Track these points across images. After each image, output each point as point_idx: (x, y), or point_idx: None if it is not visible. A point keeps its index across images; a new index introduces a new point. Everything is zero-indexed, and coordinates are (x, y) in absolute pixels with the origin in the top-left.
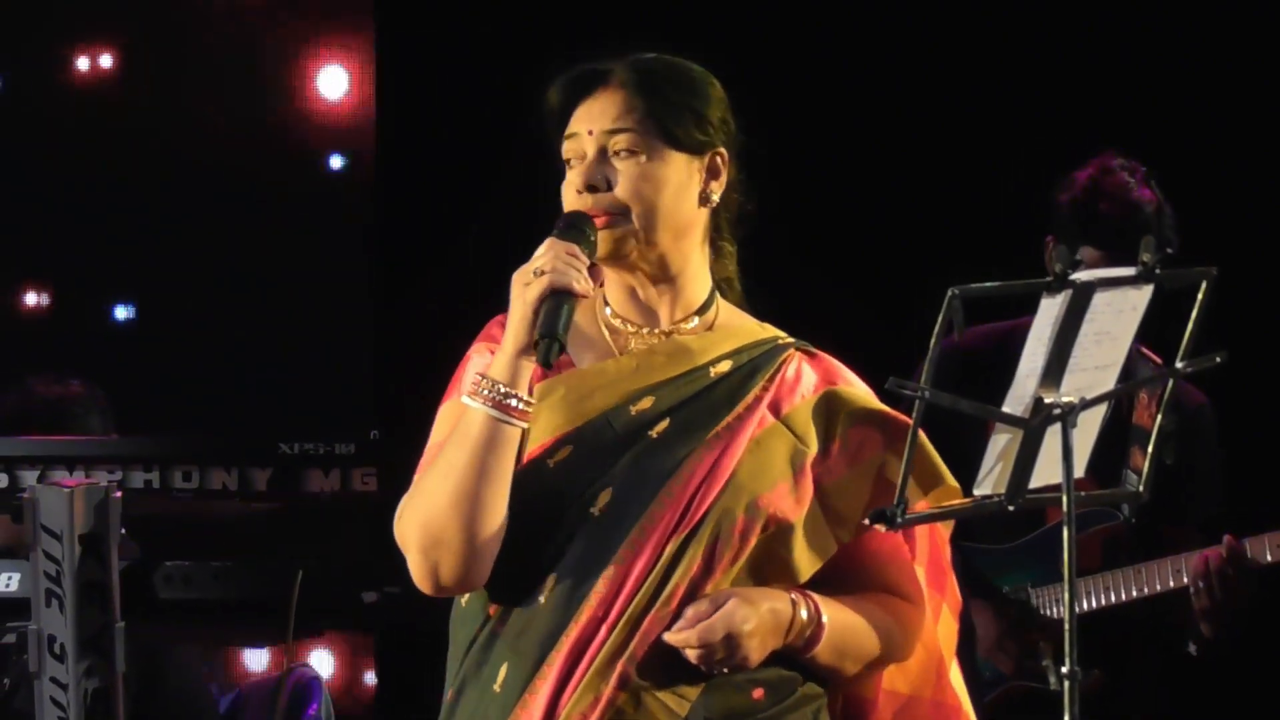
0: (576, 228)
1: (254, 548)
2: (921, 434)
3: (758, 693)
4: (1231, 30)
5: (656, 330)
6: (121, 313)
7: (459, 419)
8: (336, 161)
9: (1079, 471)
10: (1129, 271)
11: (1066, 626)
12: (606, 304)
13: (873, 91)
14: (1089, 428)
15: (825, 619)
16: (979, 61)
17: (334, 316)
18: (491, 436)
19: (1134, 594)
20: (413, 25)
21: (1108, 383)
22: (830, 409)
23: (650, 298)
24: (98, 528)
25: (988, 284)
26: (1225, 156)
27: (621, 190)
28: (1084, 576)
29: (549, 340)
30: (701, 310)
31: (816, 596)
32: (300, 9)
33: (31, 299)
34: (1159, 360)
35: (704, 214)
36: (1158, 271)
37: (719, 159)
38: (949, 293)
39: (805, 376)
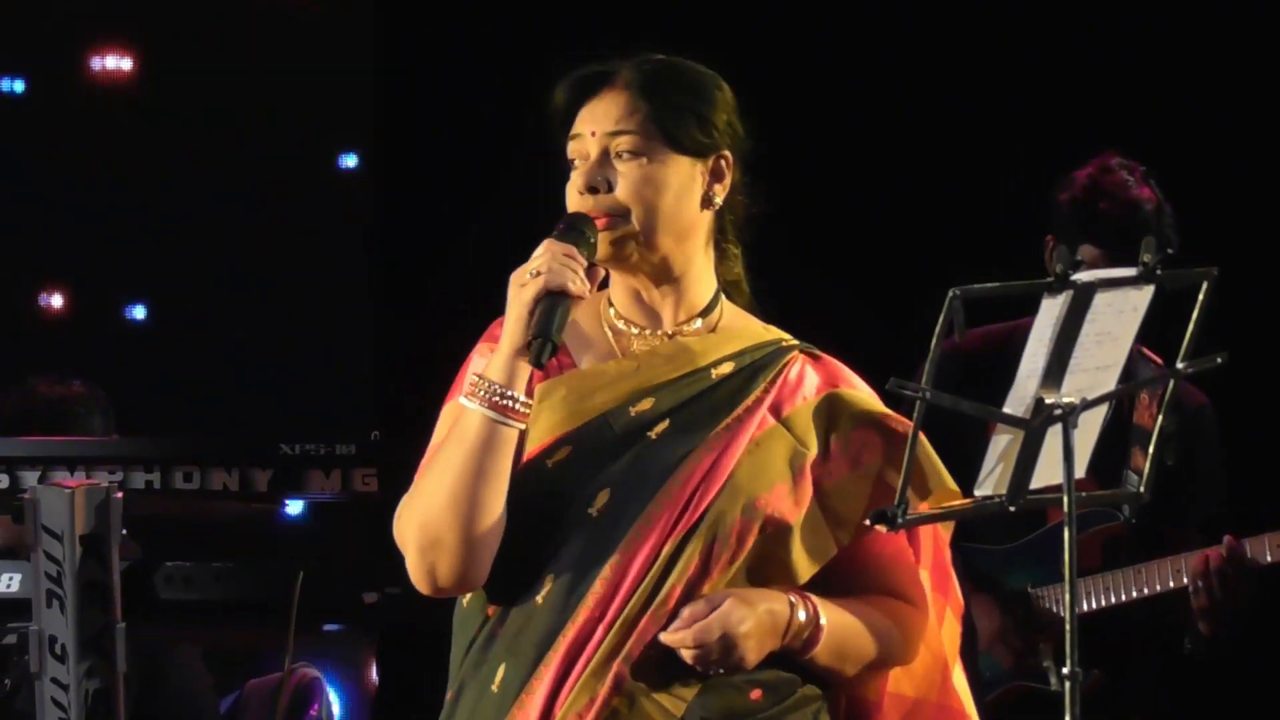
0: (576, 229)
1: (255, 548)
2: (922, 437)
3: (755, 693)
4: (1231, 30)
5: (659, 332)
6: (127, 313)
7: (458, 419)
8: (350, 160)
9: (1080, 472)
10: (1130, 272)
11: (1067, 627)
12: (611, 305)
13: (873, 92)
14: (1090, 428)
15: (824, 621)
16: (979, 61)
17: (334, 317)
18: (488, 437)
19: (1134, 594)
20: (413, 25)
21: (1109, 383)
22: (832, 411)
23: (653, 299)
24: (99, 528)
25: (988, 285)
26: (1225, 156)
27: (622, 192)
28: (1084, 577)
29: (542, 341)
30: (705, 312)
31: (815, 598)
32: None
33: (41, 300)
34: (1159, 361)
35: (707, 217)
36: (1159, 272)
37: (723, 162)
38: (950, 293)
39: (808, 379)
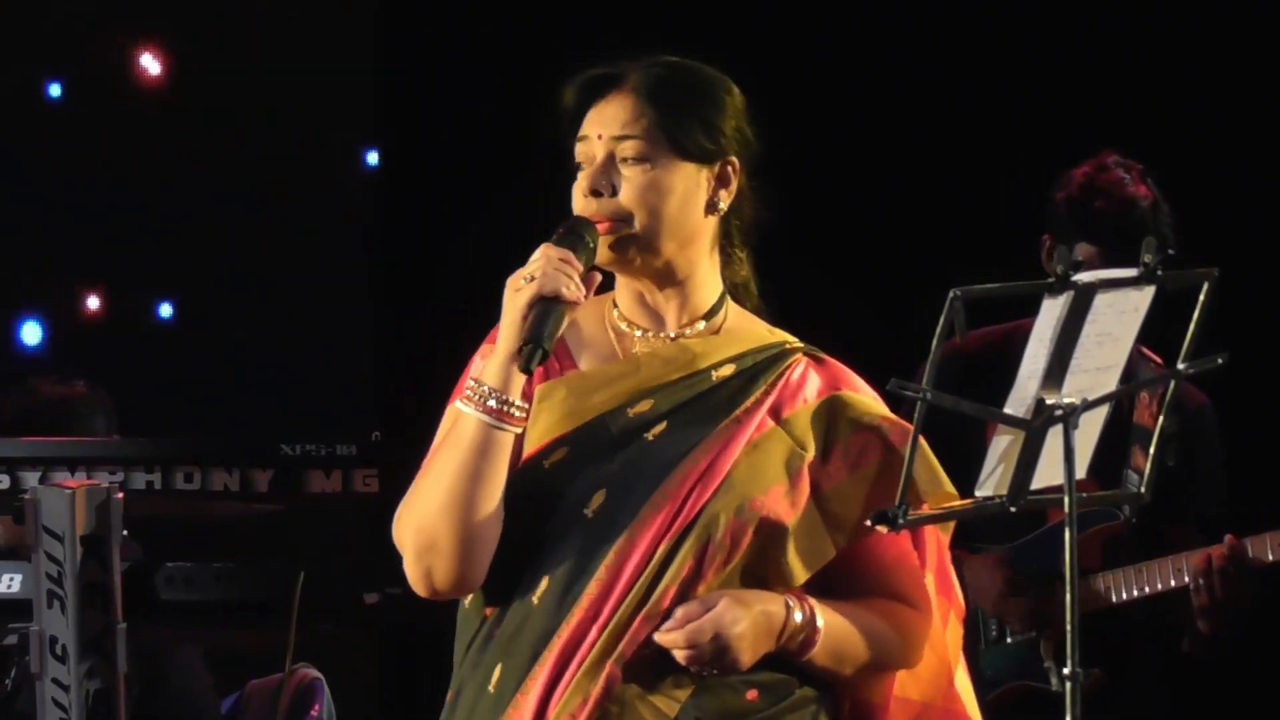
0: (575, 233)
1: (255, 549)
2: (922, 440)
3: (751, 694)
4: (1231, 30)
5: (662, 334)
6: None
7: (454, 423)
8: (374, 157)
9: (1080, 473)
10: (1131, 273)
11: (1068, 627)
12: (615, 307)
13: (873, 92)
14: (1090, 429)
15: (821, 623)
16: (979, 61)
17: (335, 317)
18: (484, 442)
19: (1134, 593)
20: (415, 25)
21: (1109, 384)
22: (833, 414)
23: (657, 302)
24: (99, 529)
25: (989, 285)
26: (1225, 156)
27: (626, 197)
28: (1084, 577)
29: (532, 347)
30: (709, 315)
31: (813, 600)
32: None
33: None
34: (1159, 361)
35: (712, 222)
36: (1159, 273)
37: (729, 167)
38: (950, 294)
39: (810, 381)
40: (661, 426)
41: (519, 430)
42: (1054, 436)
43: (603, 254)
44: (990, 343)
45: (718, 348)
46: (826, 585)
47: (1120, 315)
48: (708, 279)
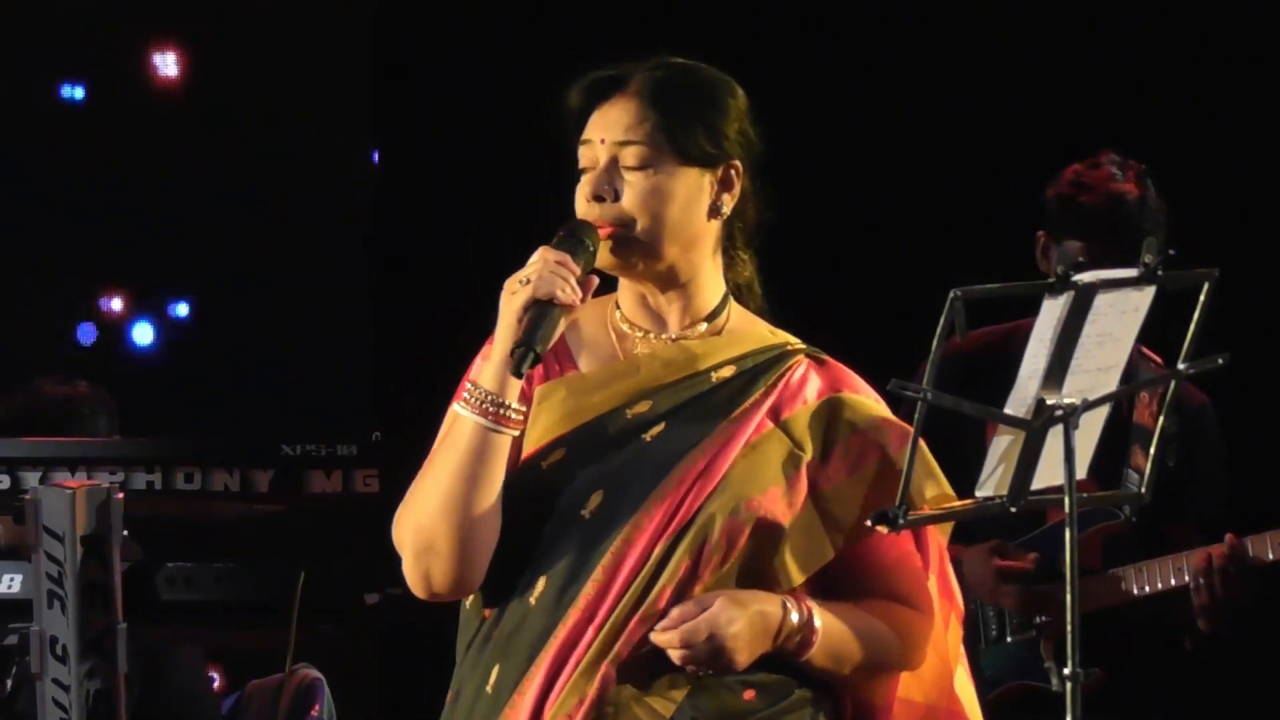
0: (575, 236)
1: (256, 549)
2: (921, 441)
3: (749, 694)
4: (1231, 30)
5: (664, 336)
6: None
7: (452, 425)
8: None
9: (1081, 473)
10: (1131, 273)
11: (1068, 628)
12: (618, 308)
13: (873, 92)
14: (1091, 429)
15: (818, 623)
16: (978, 61)
17: (334, 317)
18: (481, 444)
19: (1134, 593)
20: (416, 25)
21: (1110, 384)
22: (833, 415)
23: (660, 304)
24: (100, 529)
25: (990, 285)
26: (1225, 156)
27: (628, 202)
28: (1084, 576)
29: (523, 350)
30: (711, 316)
31: (811, 601)
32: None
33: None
34: (1160, 361)
35: (714, 225)
36: (1160, 273)
37: (733, 171)
38: (951, 294)
39: (810, 382)
40: (660, 427)
41: (516, 433)
42: (1054, 437)
43: (605, 258)
44: (990, 343)
45: (718, 349)
46: (828, 586)
47: (1121, 315)
48: (710, 281)
